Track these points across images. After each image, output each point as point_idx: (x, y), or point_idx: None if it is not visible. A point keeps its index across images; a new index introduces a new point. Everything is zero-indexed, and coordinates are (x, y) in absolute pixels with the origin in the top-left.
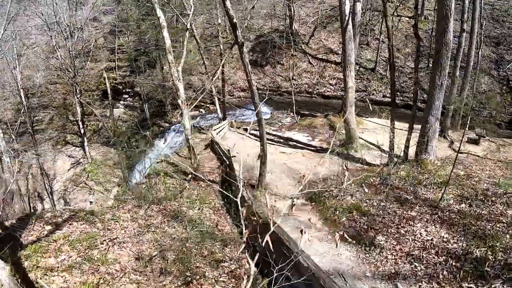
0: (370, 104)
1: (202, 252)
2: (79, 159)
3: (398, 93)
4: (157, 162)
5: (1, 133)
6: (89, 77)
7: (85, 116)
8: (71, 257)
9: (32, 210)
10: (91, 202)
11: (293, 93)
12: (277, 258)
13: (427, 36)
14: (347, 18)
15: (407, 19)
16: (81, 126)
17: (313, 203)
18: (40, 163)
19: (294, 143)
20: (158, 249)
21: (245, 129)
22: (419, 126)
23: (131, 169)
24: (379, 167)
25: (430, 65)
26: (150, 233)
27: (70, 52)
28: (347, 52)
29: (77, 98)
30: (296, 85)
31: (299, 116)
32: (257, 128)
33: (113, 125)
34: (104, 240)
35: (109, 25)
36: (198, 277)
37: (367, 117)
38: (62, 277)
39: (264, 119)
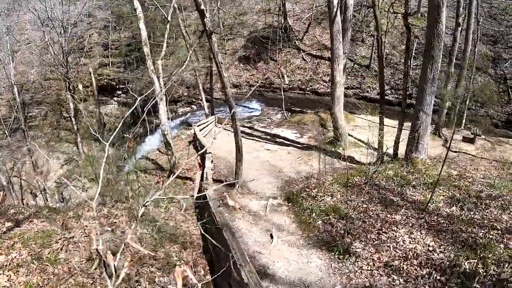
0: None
1: (157, 256)
2: (73, 155)
3: (392, 90)
4: (140, 159)
5: None
6: (82, 73)
7: (79, 113)
8: (21, 255)
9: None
10: (63, 200)
11: (282, 90)
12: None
13: (423, 34)
14: (335, 9)
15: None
16: (74, 122)
17: (290, 204)
18: (33, 159)
19: (282, 140)
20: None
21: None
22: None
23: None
24: (366, 165)
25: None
26: (109, 233)
27: (63, 48)
28: (335, 45)
29: (70, 94)
30: (289, 81)
31: (290, 113)
32: (246, 125)
33: (99, 121)
34: (60, 239)
35: (103, 20)
36: (147, 283)
37: (359, 114)
38: (7, 276)
39: (254, 115)
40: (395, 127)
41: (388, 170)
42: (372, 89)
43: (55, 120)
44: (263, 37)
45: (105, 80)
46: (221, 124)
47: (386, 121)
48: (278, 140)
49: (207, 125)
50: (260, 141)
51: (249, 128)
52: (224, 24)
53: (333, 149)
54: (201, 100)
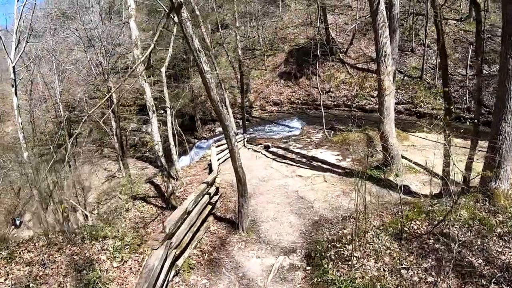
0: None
1: None
2: (114, 172)
3: None
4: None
5: None
6: (126, 92)
7: (122, 131)
8: None
9: (63, 221)
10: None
11: (322, 106)
12: None
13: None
14: None
15: (454, 22)
16: (115, 140)
17: (309, 267)
18: (75, 174)
19: (319, 163)
20: None
21: (266, 146)
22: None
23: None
24: (428, 200)
25: (485, 71)
26: None
27: (103, 68)
28: (381, 41)
29: (112, 113)
30: (333, 97)
31: (332, 132)
32: (280, 145)
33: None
34: None
35: (146, 40)
36: None
37: (413, 132)
38: None
39: (294, 135)
40: (462, 147)
41: (461, 209)
42: (425, 103)
43: (99, 137)
44: (304, 51)
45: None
46: (251, 144)
47: (429, 136)
48: (314, 163)
49: None
50: (292, 165)
51: (284, 149)
52: (264, 40)
53: (382, 176)
54: (239, 119)
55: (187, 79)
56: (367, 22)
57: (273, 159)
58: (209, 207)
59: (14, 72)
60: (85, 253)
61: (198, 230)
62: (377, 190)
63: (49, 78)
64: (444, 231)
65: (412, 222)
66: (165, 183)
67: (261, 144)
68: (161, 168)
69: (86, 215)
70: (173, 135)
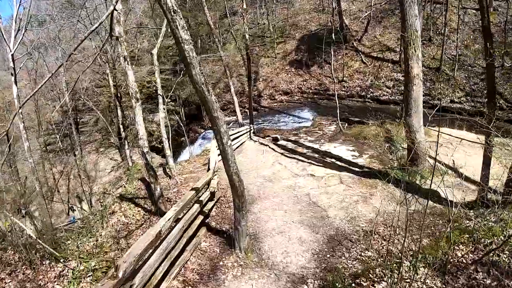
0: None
1: None
2: (120, 162)
3: (468, 97)
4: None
5: None
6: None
7: (127, 120)
8: None
9: (69, 211)
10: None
11: (336, 96)
12: None
13: (498, 30)
14: None
15: (473, 11)
16: (122, 130)
17: None
18: (81, 163)
19: (333, 160)
20: None
21: (274, 139)
22: None
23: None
24: (464, 211)
25: (506, 64)
26: None
27: (108, 56)
28: (409, 20)
29: (118, 102)
30: (347, 87)
31: (346, 124)
32: (291, 138)
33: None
34: None
35: (154, 28)
36: None
37: (433, 126)
38: None
39: (304, 126)
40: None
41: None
42: (444, 95)
43: (105, 126)
44: (317, 38)
45: (154, 88)
46: (258, 136)
47: (463, 135)
48: (328, 160)
49: (237, 137)
50: (303, 161)
51: (294, 142)
52: (274, 27)
53: (406, 178)
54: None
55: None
56: (382, 9)
57: (281, 153)
58: (201, 217)
59: (13, 60)
60: (40, 280)
61: (183, 251)
62: (402, 195)
63: (55, 67)
64: (493, 258)
65: (456, 247)
66: (152, 185)
67: (269, 136)
68: (147, 167)
69: (91, 205)
70: (166, 126)
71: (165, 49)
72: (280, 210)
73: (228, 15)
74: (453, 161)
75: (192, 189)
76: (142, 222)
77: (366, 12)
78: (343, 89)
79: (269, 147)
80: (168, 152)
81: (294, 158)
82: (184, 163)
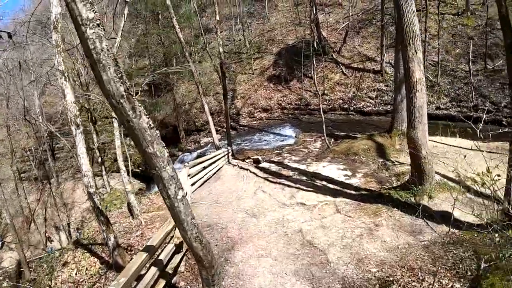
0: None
1: None
2: (99, 188)
3: (453, 102)
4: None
5: None
6: (107, 103)
7: (105, 144)
8: None
9: (46, 242)
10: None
11: (321, 110)
12: None
13: (477, 34)
14: None
15: (451, 16)
16: (97, 155)
17: None
18: (57, 191)
19: (324, 182)
20: None
21: (256, 161)
22: None
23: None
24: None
25: (488, 66)
26: None
27: (80, 77)
28: (406, 18)
29: (92, 126)
30: (328, 100)
31: (333, 139)
32: (273, 159)
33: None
34: None
35: (130, 49)
36: None
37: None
38: None
39: (287, 144)
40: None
41: None
42: (429, 103)
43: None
44: (294, 52)
45: None
46: (242, 159)
47: (459, 143)
48: (318, 183)
49: (213, 162)
50: (290, 186)
51: (277, 163)
52: (250, 42)
53: (412, 199)
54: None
55: (166, 88)
56: (360, 20)
57: (264, 178)
58: (163, 282)
59: None
60: None
61: None
62: (411, 222)
63: (30, 92)
64: None
65: None
66: (105, 234)
67: (249, 158)
68: (96, 211)
69: (70, 235)
70: (123, 152)
71: (138, 70)
72: (267, 257)
73: (202, 33)
74: (458, 174)
75: (143, 249)
76: (96, 280)
77: (343, 23)
78: (325, 102)
79: (250, 172)
80: (129, 187)
81: (279, 183)
82: (153, 196)
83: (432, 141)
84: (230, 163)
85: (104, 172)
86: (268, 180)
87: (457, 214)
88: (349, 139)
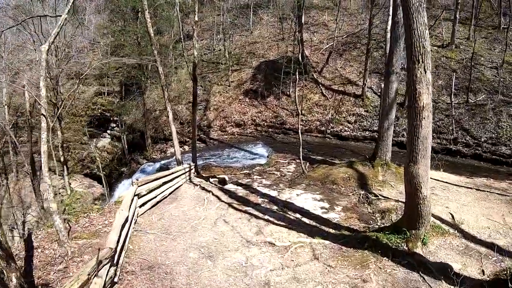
0: None
1: None
2: (59, 189)
3: (433, 134)
4: None
5: None
6: (79, 101)
7: (69, 143)
8: None
9: None
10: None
11: (299, 130)
12: None
13: (460, 67)
14: None
15: (435, 48)
16: (61, 153)
17: None
18: (17, 188)
19: (297, 215)
20: None
21: (221, 181)
22: None
23: None
24: None
25: (470, 100)
26: None
27: (48, 69)
28: (417, 30)
29: (58, 122)
30: (305, 121)
31: (308, 164)
32: (242, 181)
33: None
34: None
35: (107, 46)
36: None
37: (397, 166)
38: None
39: (258, 164)
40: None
41: None
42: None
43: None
44: (275, 68)
45: (99, 111)
46: (206, 177)
47: (447, 178)
48: (291, 215)
49: (171, 180)
50: (258, 217)
51: (245, 186)
52: (230, 54)
53: (403, 245)
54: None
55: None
56: (344, 42)
57: (229, 204)
58: None
59: None
60: None
61: None
62: (405, 277)
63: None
64: None
65: None
66: (5, 273)
67: (215, 176)
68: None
69: (23, 235)
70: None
71: (115, 69)
72: None
73: (182, 39)
74: (452, 215)
75: None
76: None
77: (327, 44)
78: (302, 123)
79: (213, 194)
80: (53, 205)
81: (245, 211)
82: (94, 215)
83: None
84: (191, 181)
85: (65, 173)
86: (232, 207)
87: (457, 267)
88: (326, 164)
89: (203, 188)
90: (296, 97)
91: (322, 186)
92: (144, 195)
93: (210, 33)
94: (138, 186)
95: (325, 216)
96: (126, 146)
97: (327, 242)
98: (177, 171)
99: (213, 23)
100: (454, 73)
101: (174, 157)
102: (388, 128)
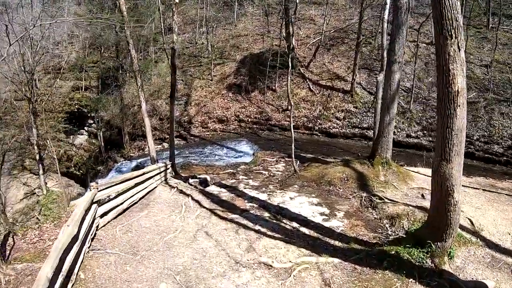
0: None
1: None
2: (34, 189)
3: (424, 131)
4: None
5: None
6: (56, 96)
7: (45, 140)
8: None
9: None
10: None
11: (291, 126)
12: None
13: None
14: None
15: (424, 45)
16: (36, 151)
17: None
18: None
19: (294, 224)
20: None
21: (202, 182)
22: None
23: None
24: None
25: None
26: None
27: (24, 61)
28: (447, 2)
29: (32, 118)
30: (292, 117)
31: (298, 162)
32: (225, 181)
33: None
34: None
35: (85, 40)
36: None
37: (402, 165)
38: None
39: (243, 163)
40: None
41: None
42: (399, 129)
43: (21, 146)
44: (260, 61)
45: (76, 106)
46: (185, 178)
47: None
48: (287, 224)
49: (143, 182)
50: (248, 228)
51: (230, 189)
52: (213, 47)
53: (429, 260)
54: (177, 136)
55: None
56: (332, 37)
57: (211, 211)
58: None
59: None
60: None
61: None
62: None
63: None
64: None
65: None
66: None
67: (195, 176)
68: None
69: None
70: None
71: (93, 63)
72: None
73: (163, 32)
74: (470, 220)
75: None
76: None
77: (314, 38)
78: (287, 119)
79: (193, 199)
80: None
81: (231, 220)
82: (47, 226)
83: (412, 171)
84: (167, 183)
85: (41, 172)
86: (216, 215)
87: (491, 285)
88: (319, 163)
89: (181, 191)
90: (288, 88)
91: (318, 188)
92: (109, 201)
93: (193, 26)
94: (99, 191)
95: (326, 224)
96: (103, 144)
97: (336, 260)
98: (150, 171)
99: (196, 16)
100: None
101: (150, 156)
102: (389, 123)
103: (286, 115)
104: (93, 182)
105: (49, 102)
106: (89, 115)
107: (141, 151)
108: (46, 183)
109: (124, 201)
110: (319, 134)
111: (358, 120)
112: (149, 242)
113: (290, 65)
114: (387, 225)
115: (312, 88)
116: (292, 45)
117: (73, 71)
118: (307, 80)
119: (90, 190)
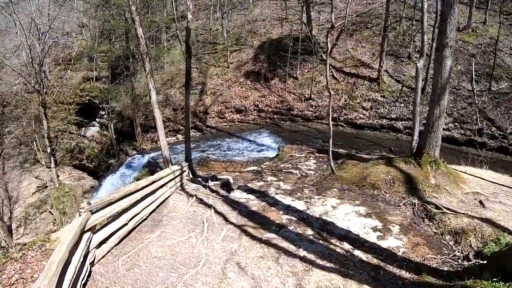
0: None
1: None
2: (46, 182)
3: (456, 123)
4: None
5: None
6: (67, 87)
7: (58, 132)
8: None
9: None
10: None
11: (330, 117)
12: None
13: (479, 52)
14: None
15: None
16: (47, 144)
17: None
18: (3, 181)
19: (346, 245)
20: None
21: (224, 185)
22: None
23: None
24: None
25: (493, 87)
26: None
27: (32, 53)
28: None
29: (42, 111)
30: (315, 107)
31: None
32: (252, 184)
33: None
34: None
35: (95, 29)
36: None
37: (446, 164)
38: None
39: (267, 158)
40: None
41: None
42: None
43: (31, 139)
44: (279, 47)
45: (87, 98)
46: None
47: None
48: (338, 246)
49: (153, 192)
50: (290, 255)
51: (259, 194)
52: (228, 33)
53: None
54: (192, 128)
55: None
56: (354, 22)
57: (241, 228)
58: None
59: None
60: None
61: None
62: None
63: None
64: None
65: None
66: None
67: (215, 177)
68: None
69: (11, 233)
70: None
71: (105, 52)
72: None
73: (176, 19)
74: None
75: None
76: None
77: (335, 23)
78: (310, 108)
79: (216, 211)
80: None
81: (268, 243)
82: (31, 254)
83: (460, 171)
84: (183, 189)
85: (53, 164)
86: (247, 234)
87: None
88: (355, 160)
89: (201, 201)
90: (327, 73)
91: (361, 192)
92: (107, 223)
93: (206, 12)
94: (92, 213)
95: (384, 244)
96: (114, 136)
97: None
98: (163, 178)
99: (210, 1)
100: (473, 58)
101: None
102: (439, 116)
103: (309, 105)
104: (84, 202)
105: (60, 94)
106: (100, 106)
107: (154, 143)
108: (58, 176)
109: (129, 220)
110: (344, 125)
111: (386, 110)
112: (163, 284)
113: (328, 46)
114: (450, 243)
115: (335, 75)
116: (312, 32)
117: (80, 60)
118: (330, 66)
119: (80, 215)
